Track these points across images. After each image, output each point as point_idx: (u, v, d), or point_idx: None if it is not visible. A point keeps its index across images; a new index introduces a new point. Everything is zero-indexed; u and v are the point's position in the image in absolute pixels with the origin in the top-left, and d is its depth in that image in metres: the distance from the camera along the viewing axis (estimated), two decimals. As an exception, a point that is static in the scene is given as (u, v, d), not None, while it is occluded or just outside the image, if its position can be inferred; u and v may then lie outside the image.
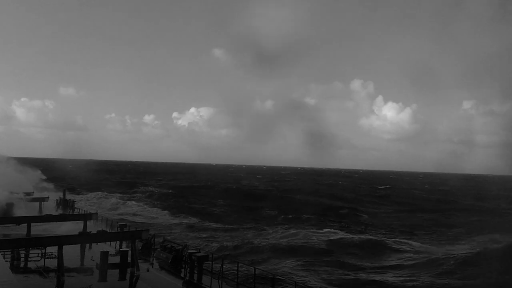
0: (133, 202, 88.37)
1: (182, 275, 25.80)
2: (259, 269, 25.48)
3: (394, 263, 42.76)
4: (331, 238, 52.91)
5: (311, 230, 58.94)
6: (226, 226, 63.48)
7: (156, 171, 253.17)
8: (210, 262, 25.65)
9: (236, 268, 24.78)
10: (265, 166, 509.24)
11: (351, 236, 55.65)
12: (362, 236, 55.94)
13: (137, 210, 78.86)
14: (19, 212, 46.25)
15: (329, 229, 60.64)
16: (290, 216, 75.63)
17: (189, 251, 27.24)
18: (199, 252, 27.38)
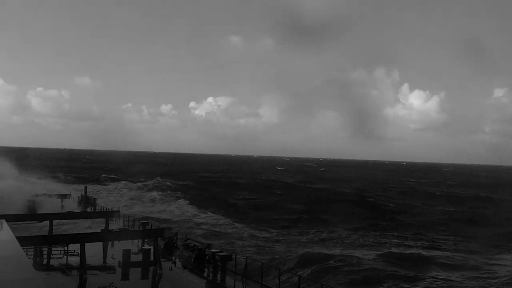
0: (155, 194, 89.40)
1: (205, 274, 25.86)
2: (284, 270, 25.33)
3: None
4: (380, 252, 44.70)
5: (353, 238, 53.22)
6: (253, 224, 62.07)
7: (177, 162, 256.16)
8: (234, 262, 25.63)
9: (260, 269, 24.66)
10: (287, 157, 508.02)
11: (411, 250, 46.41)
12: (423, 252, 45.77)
13: (159, 201, 79.66)
14: (41, 209, 47.32)
15: (379, 238, 54.07)
16: (322, 215, 70.93)
17: (212, 250, 27.29)
18: (222, 251, 27.40)
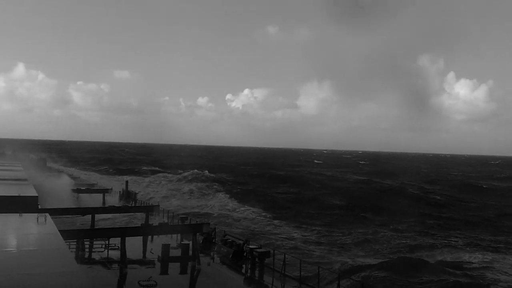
0: (193, 186, 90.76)
1: (243, 271, 26.04)
2: (324, 268, 25.13)
3: None
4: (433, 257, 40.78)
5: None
6: (293, 220, 60.69)
7: (215, 155, 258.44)
8: (272, 259, 25.67)
9: (299, 266, 24.58)
10: (325, 150, 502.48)
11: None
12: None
13: (197, 194, 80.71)
14: (84, 203, 49.05)
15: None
16: (364, 212, 68.05)
17: (250, 246, 27.40)
18: (260, 247, 27.47)
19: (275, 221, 59.71)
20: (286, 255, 25.46)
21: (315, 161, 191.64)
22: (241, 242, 28.73)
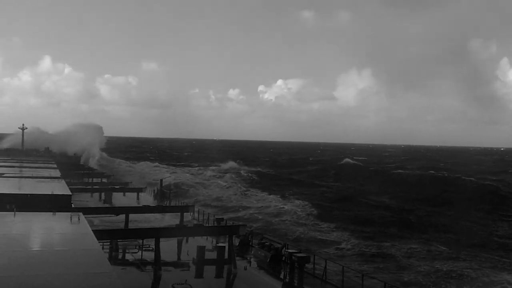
0: (229, 183, 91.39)
1: (281, 276, 25.94)
2: (369, 275, 24.69)
3: None
4: None
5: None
6: (337, 221, 58.55)
7: (249, 149, 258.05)
8: (313, 264, 25.45)
9: (341, 272, 24.26)
10: (370, 144, 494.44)
11: None
12: None
13: (233, 191, 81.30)
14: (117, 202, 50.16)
15: None
16: (419, 215, 62.92)
17: (289, 250, 27.26)
18: (300, 252, 27.28)
19: (319, 223, 58.42)
20: (327, 261, 25.19)
21: (353, 158, 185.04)
22: (279, 245, 28.63)
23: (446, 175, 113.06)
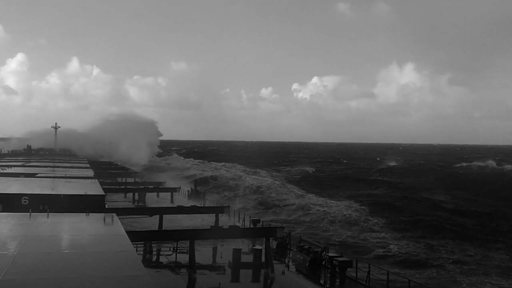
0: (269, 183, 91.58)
1: (321, 281, 25.69)
2: (416, 283, 24.12)
3: None
4: None
5: None
6: (388, 225, 55.95)
7: (285, 150, 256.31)
8: (355, 269, 25.09)
9: (385, 278, 23.82)
10: (404, 144, 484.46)
11: None
12: None
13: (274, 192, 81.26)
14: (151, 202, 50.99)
15: None
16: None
17: (329, 254, 26.98)
18: (341, 255, 26.96)
19: (365, 223, 57.43)
20: (371, 265, 24.78)
21: (394, 161, 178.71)
22: (319, 249, 28.37)
23: None
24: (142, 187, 57.51)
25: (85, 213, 18.65)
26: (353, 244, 47.43)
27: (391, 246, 46.80)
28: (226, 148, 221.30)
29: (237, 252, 26.42)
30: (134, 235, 20.55)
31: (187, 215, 41.40)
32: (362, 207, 67.51)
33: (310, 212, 64.06)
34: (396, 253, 44.69)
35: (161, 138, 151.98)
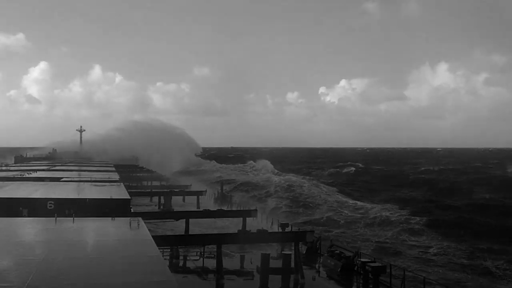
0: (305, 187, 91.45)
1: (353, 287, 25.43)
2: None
3: None
4: None
5: None
6: (437, 230, 54.05)
7: (313, 156, 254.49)
8: (389, 275, 24.72)
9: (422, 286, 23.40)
10: (439, 148, 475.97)
11: None
12: None
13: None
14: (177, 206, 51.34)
15: None
16: None
17: (361, 259, 26.68)
18: (374, 261, 26.62)
19: (402, 227, 56.32)
20: (406, 271, 24.39)
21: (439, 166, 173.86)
22: (351, 254, 28.10)
23: None
24: (168, 190, 57.93)
25: (110, 218, 18.84)
26: (387, 248, 46.77)
27: (430, 250, 45.97)
28: (251, 154, 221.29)
29: (265, 257, 26.31)
30: (160, 240, 20.68)
31: (213, 219, 41.55)
32: (400, 210, 66.69)
33: (343, 213, 63.55)
34: (435, 257, 43.81)
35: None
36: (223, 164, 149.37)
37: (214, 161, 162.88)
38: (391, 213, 62.68)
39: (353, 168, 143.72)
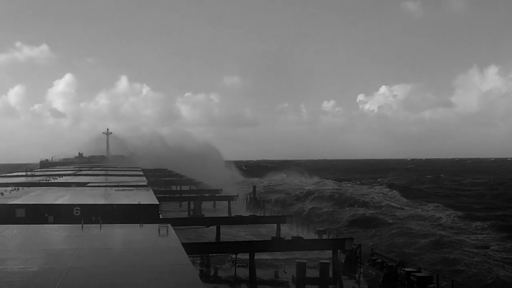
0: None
1: None
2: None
3: None
4: None
5: None
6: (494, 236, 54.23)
7: (356, 169, 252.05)
8: (436, 285, 24.29)
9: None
10: (492, 158, 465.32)
11: None
12: None
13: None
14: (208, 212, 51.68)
15: None
16: None
17: (406, 269, 26.31)
18: (420, 270, 26.22)
19: (455, 233, 55.54)
20: (455, 281, 23.91)
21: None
22: (394, 263, 27.71)
23: None
24: (198, 195, 58.37)
25: (138, 224, 19.06)
26: (435, 256, 45.88)
27: (484, 260, 44.82)
28: (286, 166, 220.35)
29: (301, 266, 26.19)
30: (191, 247, 20.79)
31: (246, 225, 41.64)
32: (454, 216, 66.16)
33: (386, 220, 62.68)
34: (488, 268, 42.71)
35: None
36: (255, 178, 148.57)
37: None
38: (440, 219, 61.68)
39: (386, 180, 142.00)
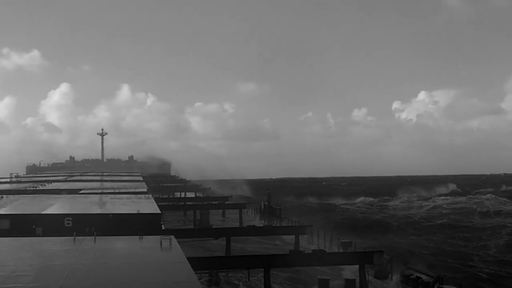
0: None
1: None
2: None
3: None
4: None
5: None
6: None
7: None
8: None
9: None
10: None
11: None
12: None
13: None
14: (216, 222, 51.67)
15: None
16: None
17: (444, 286, 26.16)
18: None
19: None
20: None
21: None
22: (430, 279, 27.56)
23: None
24: (205, 203, 58.39)
25: (138, 236, 19.01)
26: (483, 271, 45.33)
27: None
28: (308, 185, 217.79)
29: (324, 283, 26.08)
30: (197, 262, 20.72)
31: (260, 237, 41.55)
32: None
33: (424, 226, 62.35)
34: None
35: (228, 178, 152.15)
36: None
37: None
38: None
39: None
